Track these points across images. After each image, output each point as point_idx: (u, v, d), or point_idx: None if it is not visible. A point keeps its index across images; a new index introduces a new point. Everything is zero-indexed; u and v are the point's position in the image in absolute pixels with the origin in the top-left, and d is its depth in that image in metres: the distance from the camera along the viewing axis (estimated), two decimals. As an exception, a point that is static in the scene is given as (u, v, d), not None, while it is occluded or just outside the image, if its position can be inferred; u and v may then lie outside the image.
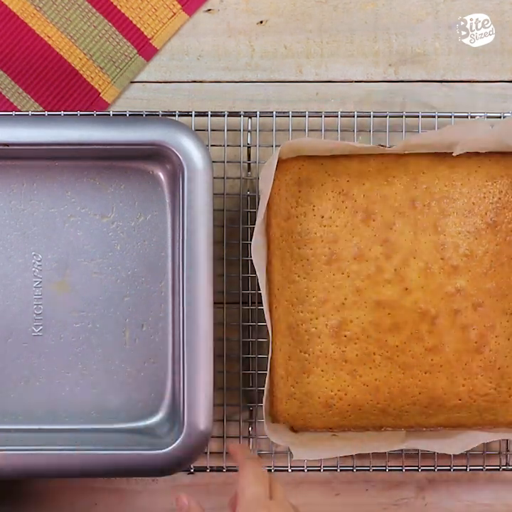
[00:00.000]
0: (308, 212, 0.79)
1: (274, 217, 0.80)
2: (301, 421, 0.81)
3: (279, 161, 0.79)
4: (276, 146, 0.85)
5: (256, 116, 0.85)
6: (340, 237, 0.79)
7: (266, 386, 0.79)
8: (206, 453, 0.84)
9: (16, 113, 0.83)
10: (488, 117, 0.84)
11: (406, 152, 0.80)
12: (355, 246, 0.79)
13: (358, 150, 0.80)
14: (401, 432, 0.82)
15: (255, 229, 0.77)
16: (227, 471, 0.85)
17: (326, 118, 0.85)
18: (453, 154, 0.79)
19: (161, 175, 0.82)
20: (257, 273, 0.77)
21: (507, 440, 0.85)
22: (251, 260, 0.80)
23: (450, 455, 0.84)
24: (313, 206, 0.79)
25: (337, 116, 0.84)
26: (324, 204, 0.79)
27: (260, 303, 0.81)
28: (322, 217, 0.79)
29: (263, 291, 0.78)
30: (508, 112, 0.85)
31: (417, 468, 0.85)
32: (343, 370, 0.79)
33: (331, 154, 0.80)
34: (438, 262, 0.78)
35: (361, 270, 0.79)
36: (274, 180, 0.79)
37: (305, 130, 0.85)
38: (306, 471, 0.85)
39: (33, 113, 0.84)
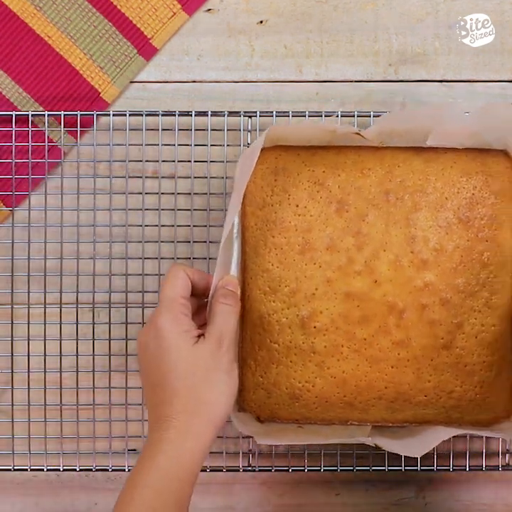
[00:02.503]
0: (283, 201, 0.79)
1: (249, 205, 0.80)
2: (268, 411, 0.80)
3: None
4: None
5: (256, 116, 0.85)
6: (314, 227, 0.79)
7: None
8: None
9: (16, 113, 0.84)
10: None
11: (383, 144, 0.80)
12: (328, 236, 0.78)
13: (334, 137, 0.79)
14: (367, 427, 0.81)
15: (226, 220, 0.76)
16: (227, 471, 0.85)
17: (326, 118, 0.85)
18: (427, 142, 0.79)
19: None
20: (217, 259, 0.76)
21: (508, 440, 0.85)
22: (251, 260, 0.80)
23: (450, 454, 0.84)
24: (289, 195, 0.79)
25: (337, 116, 0.84)
26: (299, 193, 0.79)
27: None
28: (297, 206, 0.79)
29: (215, 280, 0.76)
30: (508, 112, 0.85)
31: (416, 468, 0.85)
32: (311, 361, 0.78)
33: (309, 145, 0.80)
34: (408, 255, 0.78)
35: (333, 261, 0.78)
36: None
37: (305, 130, 0.85)
38: (306, 471, 0.85)
39: (33, 113, 0.85)
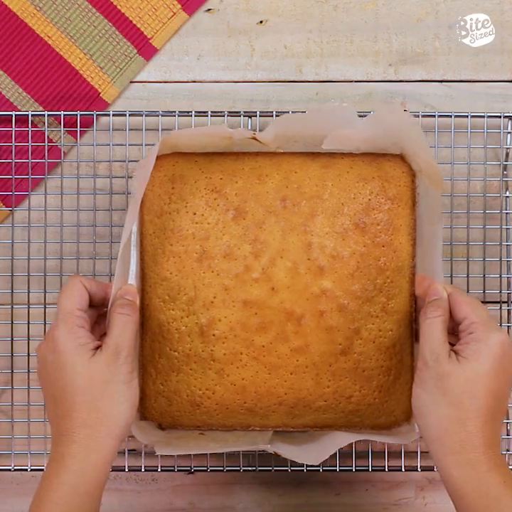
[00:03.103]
0: (180, 209, 0.79)
1: (147, 213, 0.79)
2: (170, 419, 0.81)
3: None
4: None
5: (256, 116, 0.85)
6: (211, 235, 0.78)
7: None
8: (206, 454, 0.84)
9: (16, 113, 0.84)
10: (488, 117, 0.84)
11: (280, 150, 0.80)
12: (225, 244, 0.78)
13: (231, 143, 0.79)
14: (268, 433, 0.81)
15: (125, 228, 0.76)
16: (227, 471, 0.85)
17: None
18: (322, 146, 0.78)
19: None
20: (116, 268, 0.76)
21: (508, 440, 0.85)
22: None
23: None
24: (186, 203, 0.79)
25: (337, 116, 0.84)
26: (197, 201, 0.79)
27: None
28: (194, 214, 0.79)
29: (113, 290, 0.76)
30: (508, 112, 0.85)
31: (417, 468, 0.85)
32: (211, 369, 0.79)
33: (206, 151, 0.80)
34: (305, 262, 0.78)
35: (230, 269, 0.78)
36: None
37: (305, 130, 0.85)
38: (305, 471, 0.85)
39: (33, 113, 0.85)
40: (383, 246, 0.78)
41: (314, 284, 0.78)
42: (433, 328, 0.73)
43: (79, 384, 0.71)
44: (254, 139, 0.78)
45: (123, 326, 0.73)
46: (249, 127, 0.85)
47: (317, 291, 0.77)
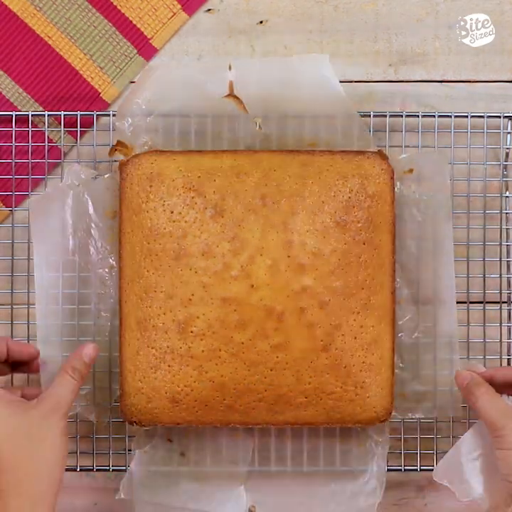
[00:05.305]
0: (158, 207, 0.79)
1: (126, 211, 0.80)
2: (149, 416, 0.81)
3: (133, 156, 0.80)
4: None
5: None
6: (189, 233, 0.79)
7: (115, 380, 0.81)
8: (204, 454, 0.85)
9: (16, 113, 0.84)
10: (488, 117, 0.84)
11: (258, 120, 0.81)
12: (203, 242, 0.79)
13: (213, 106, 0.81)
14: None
15: None
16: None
17: None
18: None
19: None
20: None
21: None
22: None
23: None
24: (164, 201, 0.79)
25: (337, 116, 0.84)
26: (174, 199, 0.79)
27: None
28: (172, 212, 0.79)
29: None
30: (508, 112, 0.85)
31: (416, 468, 0.85)
32: (189, 365, 0.79)
33: (185, 149, 0.81)
34: (285, 259, 0.78)
35: (208, 266, 0.79)
36: (127, 174, 0.80)
37: (305, 130, 0.85)
38: (304, 470, 0.85)
39: (33, 113, 0.85)
40: (364, 243, 0.79)
41: (295, 281, 0.78)
42: (486, 404, 0.76)
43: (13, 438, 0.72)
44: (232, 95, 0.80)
45: (68, 389, 0.75)
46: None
47: (298, 288, 0.78)
